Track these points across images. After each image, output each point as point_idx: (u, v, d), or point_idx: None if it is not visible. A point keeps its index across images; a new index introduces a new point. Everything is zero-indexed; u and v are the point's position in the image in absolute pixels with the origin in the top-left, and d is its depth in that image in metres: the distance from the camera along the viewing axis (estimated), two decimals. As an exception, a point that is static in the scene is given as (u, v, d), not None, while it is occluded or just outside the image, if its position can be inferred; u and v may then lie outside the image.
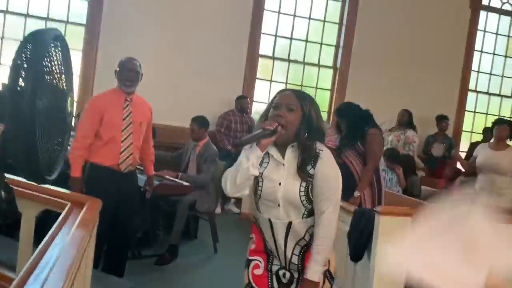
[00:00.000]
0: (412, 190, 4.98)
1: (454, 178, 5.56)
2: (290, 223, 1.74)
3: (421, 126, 6.42)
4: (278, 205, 1.73)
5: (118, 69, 3.07)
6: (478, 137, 7.39)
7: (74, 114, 2.32)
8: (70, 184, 2.94)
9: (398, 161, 5.01)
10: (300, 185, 1.71)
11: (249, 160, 1.67)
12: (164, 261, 3.94)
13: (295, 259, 1.80)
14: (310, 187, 1.71)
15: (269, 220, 1.75)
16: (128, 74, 3.03)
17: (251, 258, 1.84)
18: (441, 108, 6.83)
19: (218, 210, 5.77)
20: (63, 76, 1.22)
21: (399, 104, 6.36)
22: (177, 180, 4.23)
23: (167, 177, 4.21)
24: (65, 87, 1.24)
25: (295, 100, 1.73)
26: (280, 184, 1.72)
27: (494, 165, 4.26)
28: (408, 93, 6.81)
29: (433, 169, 6.37)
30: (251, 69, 6.47)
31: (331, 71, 6.92)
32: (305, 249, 1.79)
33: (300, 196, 1.71)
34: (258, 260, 1.82)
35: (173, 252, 4.03)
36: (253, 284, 1.80)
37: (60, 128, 1.23)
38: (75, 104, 5.80)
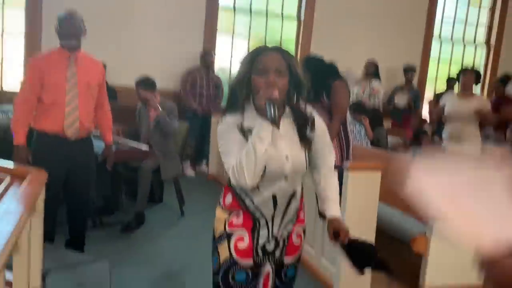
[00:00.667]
0: (379, 141, 4.95)
1: (420, 127, 5.57)
2: (293, 192, 1.65)
3: (388, 77, 6.36)
4: (285, 178, 1.59)
5: (57, 25, 2.76)
6: (442, 86, 7.43)
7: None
8: (14, 153, 2.71)
9: (364, 114, 4.94)
10: (305, 153, 1.63)
11: (263, 141, 1.46)
12: (129, 228, 3.79)
13: (290, 224, 1.71)
14: (310, 150, 1.66)
15: (273, 196, 1.59)
16: (67, 29, 2.73)
17: (232, 230, 1.62)
18: (407, 57, 6.77)
19: (192, 173, 5.64)
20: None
21: (365, 55, 6.25)
22: (135, 144, 4.01)
23: (120, 141, 3.96)
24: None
25: (283, 62, 1.53)
26: (287, 158, 1.56)
27: (460, 113, 4.24)
28: (373, 44, 6.69)
29: (399, 120, 6.37)
30: (211, 22, 6.14)
31: (295, 23, 6.67)
32: (298, 208, 1.73)
33: (306, 163, 1.64)
34: (241, 233, 1.62)
35: (139, 219, 3.88)
36: (236, 257, 1.61)
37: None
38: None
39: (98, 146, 3.51)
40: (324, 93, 3.36)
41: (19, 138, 2.72)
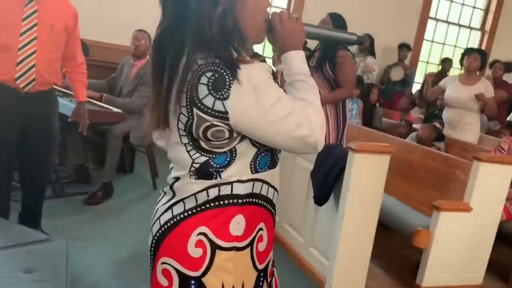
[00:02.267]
0: (373, 121, 4.62)
1: (409, 109, 5.28)
2: None
3: (383, 54, 6.01)
4: None
5: None
6: (434, 68, 7.16)
7: None
8: None
9: (362, 89, 4.60)
10: None
11: (310, 77, 1.05)
12: (94, 200, 3.36)
13: None
14: None
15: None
16: None
17: (266, 261, 1.09)
18: (401, 36, 6.43)
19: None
20: None
21: (360, 31, 5.85)
22: (104, 104, 3.55)
23: (91, 100, 3.51)
24: None
25: None
26: None
27: (463, 100, 3.92)
28: (368, 20, 6.30)
29: (389, 100, 6.07)
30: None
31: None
32: None
33: None
34: (262, 228, 1.07)
35: (106, 191, 3.46)
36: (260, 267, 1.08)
37: None
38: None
39: (67, 105, 3.06)
40: (328, 62, 2.98)
41: None
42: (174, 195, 1.04)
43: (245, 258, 1.01)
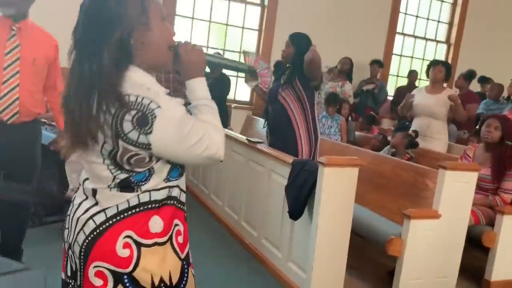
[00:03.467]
0: (348, 135, 4.75)
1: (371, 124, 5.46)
2: None
3: (355, 72, 6.18)
4: None
5: None
6: (404, 81, 7.40)
7: None
8: None
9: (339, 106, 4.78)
10: None
11: (212, 102, 1.24)
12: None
13: None
14: None
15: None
16: None
17: (186, 250, 1.24)
18: (371, 52, 6.66)
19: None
20: None
21: (329, 47, 6.03)
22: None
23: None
24: None
25: None
26: None
27: (429, 108, 4.09)
28: (340, 39, 6.54)
29: (361, 115, 6.23)
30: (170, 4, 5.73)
31: (258, 9, 6.36)
32: None
33: None
34: (178, 224, 1.22)
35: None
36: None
37: None
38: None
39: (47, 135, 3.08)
40: (297, 77, 3.10)
41: None
42: (96, 204, 1.14)
43: (168, 250, 1.15)
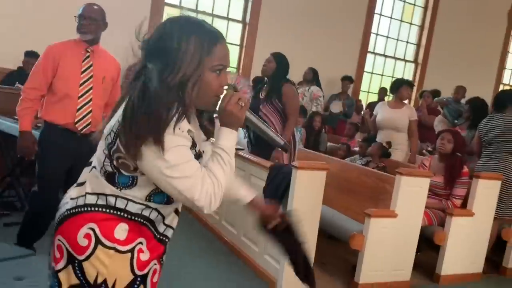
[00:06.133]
0: (320, 146, 5.15)
1: (354, 135, 5.88)
2: None
3: (327, 86, 6.62)
4: None
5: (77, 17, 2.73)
6: (374, 97, 7.90)
7: None
8: (18, 139, 2.68)
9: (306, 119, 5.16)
10: None
11: (231, 153, 1.22)
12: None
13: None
14: None
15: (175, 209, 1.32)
16: (82, 21, 2.69)
17: (146, 270, 1.26)
18: (344, 68, 7.12)
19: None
20: None
21: (306, 63, 6.48)
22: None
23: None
24: None
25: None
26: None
27: (393, 122, 4.54)
28: (314, 53, 6.98)
29: (334, 127, 6.66)
30: (156, 19, 6.05)
31: (240, 25, 6.76)
32: None
33: None
34: (155, 267, 1.30)
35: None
36: None
37: None
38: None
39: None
40: (275, 94, 3.49)
41: (25, 124, 2.66)
42: (83, 183, 1.24)
43: (124, 260, 1.20)
